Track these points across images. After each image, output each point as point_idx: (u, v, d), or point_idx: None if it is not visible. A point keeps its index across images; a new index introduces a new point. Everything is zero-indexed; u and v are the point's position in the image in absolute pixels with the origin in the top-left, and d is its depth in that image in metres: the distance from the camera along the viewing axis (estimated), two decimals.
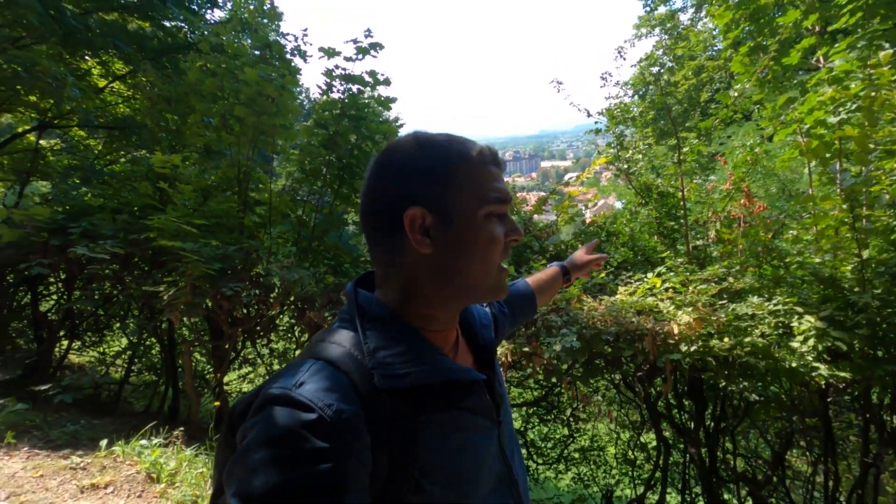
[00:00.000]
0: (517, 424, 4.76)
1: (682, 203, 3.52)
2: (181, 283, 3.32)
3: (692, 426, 3.39)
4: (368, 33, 4.15)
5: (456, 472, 0.63)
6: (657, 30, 15.45)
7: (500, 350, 2.82)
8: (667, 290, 3.04)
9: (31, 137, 8.20)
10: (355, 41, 4.08)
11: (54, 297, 5.29)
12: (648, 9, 14.41)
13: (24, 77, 5.42)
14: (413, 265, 0.66)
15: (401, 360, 0.62)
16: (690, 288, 2.99)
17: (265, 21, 8.30)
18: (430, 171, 0.66)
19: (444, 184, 0.66)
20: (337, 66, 4.13)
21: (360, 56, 4.14)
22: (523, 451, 4.56)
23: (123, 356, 5.10)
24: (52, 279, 5.07)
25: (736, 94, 3.42)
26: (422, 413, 0.61)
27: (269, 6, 8.57)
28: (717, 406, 3.39)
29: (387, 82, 4.55)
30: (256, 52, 4.73)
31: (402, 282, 0.67)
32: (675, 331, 2.69)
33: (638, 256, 3.87)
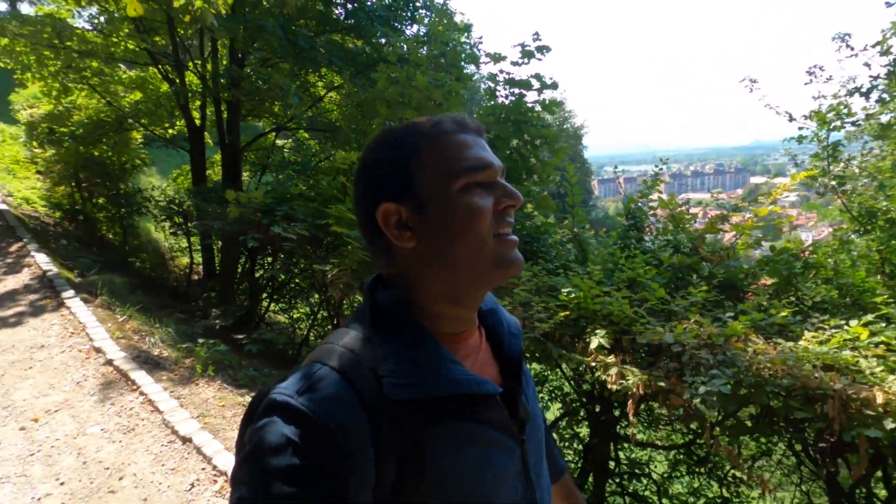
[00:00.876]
0: (661, 468, 4.20)
1: None
2: (343, 265, 3.77)
3: None
4: (536, 37, 4.11)
5: (470, 490, 0.59)
6: None
7: (631, 379, 2.52)
8: (876, 345, 2.33)
9: (271, 137, 10.29)
10: (522, 45, 4.08)
11: (265, 266, 6.55)
12: None
13: (264, 89, 6.82)
14: (406, 262, 0.63)
15: (410, 367, 0.58)
16: None
17: (455, 33, 8.89)
18: (390, 160, 0.63)
19: (407, 169, 0.62)
20: (501, 71, 4.19)
21: (525, 60, 4.13)
22: (665, 501, 3.99)
23: (305, 322, 6.03)
24: (266, 251, 6.28)
25: None
26: (434, 424, 0.57)
27: (459, 19, 9.12)
28: None
29: (553, 86, 4.43)
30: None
31: (404, 282, 0.64)
32: (880, 399, 2.05)
33: (845, 298, 3.03)
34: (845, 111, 3.37)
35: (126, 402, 3.14)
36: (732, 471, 3.71)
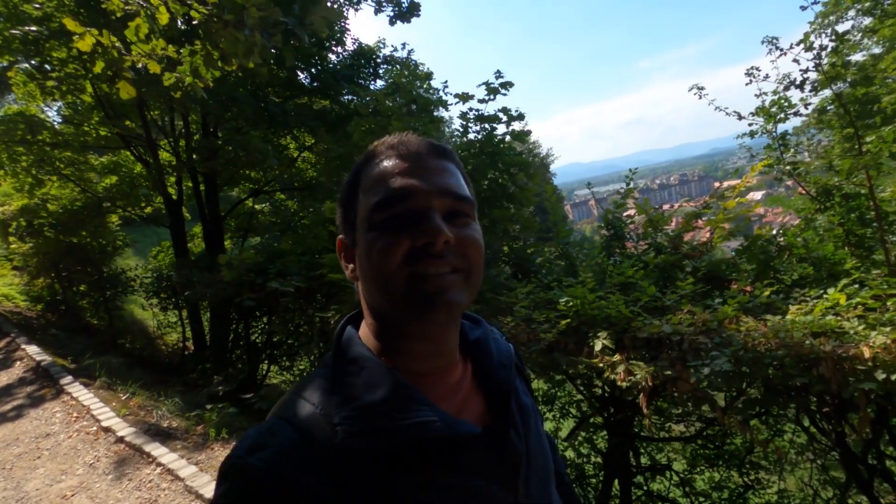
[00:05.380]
0: (679, 465, 4.23)
1: (872, 203, 2.89)
2: (343, 309, 3.85)
3: None
4: (499, 74, 4.44)
5: None
6: (851, 12, 13.01)
7: (639, 373, 2.63)
8: (855, 307, 2.52)
9: (249, 203, 10.45)
10: (487, 83, 4.40)
11: (261, 327, 6.52)
12: None
13: (241, 156, 7.03)
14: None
15: (367, 413, 0.53)
16: (889, 304, 2.43)
17: (417, 82, 9.37)
18: (343, 190, 0.64)
19: (349, 200, 0.62)
20: (471, 109, 4.48)
21: (491, 97, 4.43)
22: (689, 499, 4.02)
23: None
24: (258, 313, 6.28)
25: None
26: (401, 474, 0.52)
27: (421, 70, 9.63)
28: None
29: (520, 117, 4.74)
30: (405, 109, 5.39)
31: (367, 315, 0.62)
32: (867, 354, 2.21)
33: (820, 271, 3.25)
34: (786, 104, 3.75)
35: (144, 476, 3.09)
36: (749, 457, 3.79)
